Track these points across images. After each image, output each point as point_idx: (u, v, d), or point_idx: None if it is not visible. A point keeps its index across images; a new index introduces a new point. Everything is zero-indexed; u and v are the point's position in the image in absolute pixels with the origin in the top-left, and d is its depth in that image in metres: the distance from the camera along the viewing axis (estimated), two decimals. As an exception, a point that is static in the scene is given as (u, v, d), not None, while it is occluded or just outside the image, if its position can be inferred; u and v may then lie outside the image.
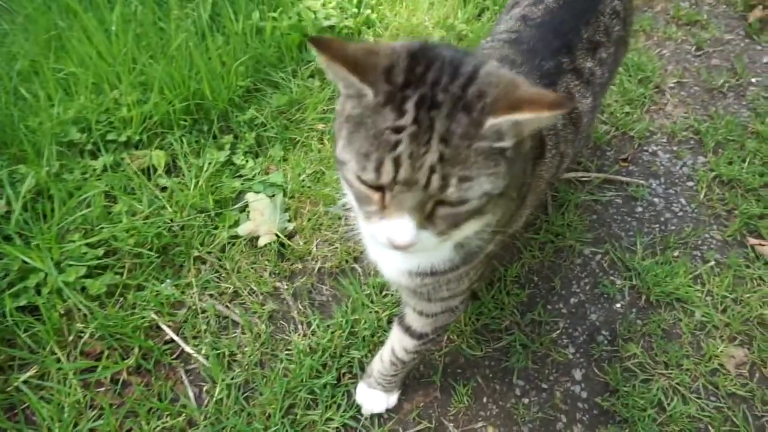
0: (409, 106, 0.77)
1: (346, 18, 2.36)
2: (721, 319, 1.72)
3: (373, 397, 1.48)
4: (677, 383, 1.58)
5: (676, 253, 1.88)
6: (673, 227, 1.95)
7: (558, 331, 1.66)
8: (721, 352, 1.65)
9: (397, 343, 1.35)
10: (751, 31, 2.68)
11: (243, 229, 1.77)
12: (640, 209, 2.00)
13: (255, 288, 1.70)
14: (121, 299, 1.62)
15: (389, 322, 1.65)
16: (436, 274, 1.08)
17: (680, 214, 2.00)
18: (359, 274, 1.76)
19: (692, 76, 2.48)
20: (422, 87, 0.78)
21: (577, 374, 1.61)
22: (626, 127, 2.23)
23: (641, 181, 2.07)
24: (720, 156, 2.14)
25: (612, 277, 1.82)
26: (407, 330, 1.30)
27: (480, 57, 0.87)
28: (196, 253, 1.73)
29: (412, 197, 0.78)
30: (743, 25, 2.73)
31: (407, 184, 0.77)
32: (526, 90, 0.80)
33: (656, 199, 2.03)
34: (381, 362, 1.42)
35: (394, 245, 0.82)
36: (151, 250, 1.68)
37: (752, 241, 1.91)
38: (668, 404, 1.54)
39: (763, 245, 1.89)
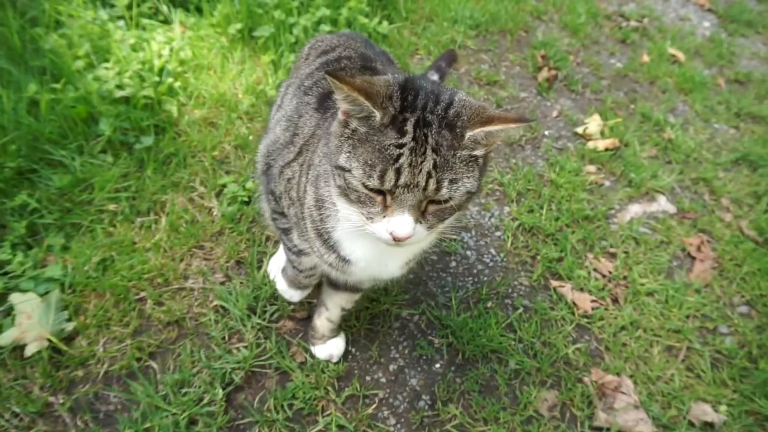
0: (409, 127, 0.97)
1: (145, 87, 2.21)
2: (533, 364, 1.77)
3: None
4: (495, 439, 1.58)
5: (489, 304, 1.93)
6: (485, 278, 2.02)
7: (374, 405, 1.59)
8: (535, 397, 1.69)
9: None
10: (541, 90, 2.99)
11: (5, 338, 1.49)
12: (454, 264, 2.05)
13: (18, 410, 1.41)
14: None
15: (191, 423, 1.47)
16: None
17: (491, 264, 2.08)
18: (155, 372, 1.55)
19: (494, 131, 2.67)
20: (416, 111, 0.99)
21: (399, 447, 1.54)
22: (437, 183, 2.32)
23: (453, 236, 2.13)
24: (521, 205, 2.29)
25: (430, 337, 1.81)
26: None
27: (451, 88, 1.08)
28: (-64, 377, 1.41)
29: (412, 197, 0.97)
30: (534, 83, 3.04)
31: (408, 187, 0.96)
32: (494, 111, 1.02)
33: (469, 252, 2.10)
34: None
35: (396, 237, 0.99)
36: None
37: (554, 283, 2.04)
38: (488, 463, 1.53)
39: (563, 286, 2.03)
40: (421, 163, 0.95)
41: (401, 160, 0.95)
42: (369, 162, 0.97)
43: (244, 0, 2.69)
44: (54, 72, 2.12)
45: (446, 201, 1.00)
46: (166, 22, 2.68)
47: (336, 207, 1.13)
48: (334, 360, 1.65)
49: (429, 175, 0.96)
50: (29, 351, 1.48)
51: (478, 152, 1.01)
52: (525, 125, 1.01)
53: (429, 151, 0.96)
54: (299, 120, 1.38)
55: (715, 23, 4.12)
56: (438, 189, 0.97)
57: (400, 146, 0.95)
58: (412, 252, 1.29)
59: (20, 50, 2.12)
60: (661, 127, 2.89)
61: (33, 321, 1.51)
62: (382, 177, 0.96)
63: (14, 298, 1.55)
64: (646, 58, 3.45)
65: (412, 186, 0.96)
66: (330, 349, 1.66)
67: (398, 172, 0.95)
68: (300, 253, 1.47)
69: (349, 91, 0.95)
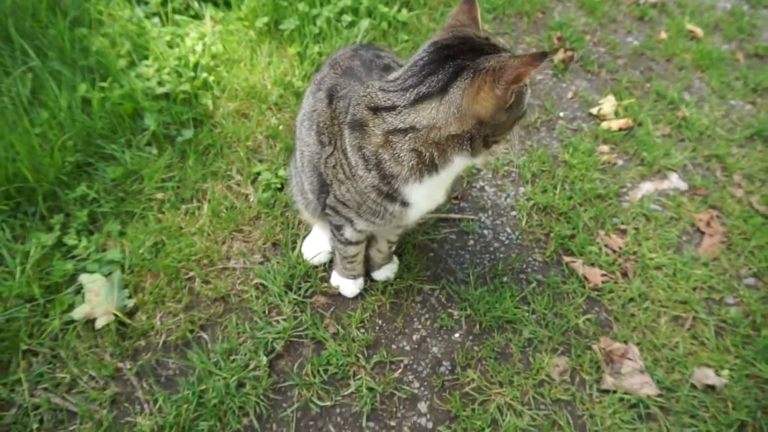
0: None
1: (183, 82, 2.39)
2: (545, 333, 1.93)
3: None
4: (510, 399, 1.75)
5: (505, 279, 2.09)
6: (501, 255, 2.17)
7: (400, 371, 1.78)
8: (546, 363, 1.85)
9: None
10: (557, 71, 3.07)
11: (78, 313, 1.71)
12: (471, 242, 2.20)
13: (94, 373, 1.64)
14: (-65, 411, 1.50)
15: (239, 385, 1.67)
16: None
17: (507, 242, 2.23)
18: (206, 342, 1.76)
19: (511, 114, 2.79)
20: None
21: (423, 407, 1.73)
22: (456, 166, 2.46)
23: (471, 216, 2.28)
24: (536, 185, 2.42)
25: (450, 309, 1.98)
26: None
27: None
28: (24, 347, 1.64)
29: None
30: (550, 65, 3.13)
31: None
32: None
33: (486, 231, 2.25)
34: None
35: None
36: (-34, 352, 1.57)
37: (566, 259, 2.18)
38: (503, 420, 1.70)
39: (575, 262, 2.17)
40: None
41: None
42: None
43: (269, -7, 2.83)
44: (101, 71, 2.31)
45: None
46: (197, 17, 2.84)
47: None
48: (391, 279, 1.98)
49: None
50: (99, 324, 1.70)
51: None
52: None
53: None
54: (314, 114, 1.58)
55: (736, -5, 4.09)
56: None
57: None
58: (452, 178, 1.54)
59: (70, 52, 2.31)
60: (676, 105, 2.96)
61: (100, 298, 1.73)
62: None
63: (83, 278, 1.77)
64: (663, 35, 3.49)
65: None
66: (385, 272, 1.98)
67: None
68: (348, 243, 1.72)
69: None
